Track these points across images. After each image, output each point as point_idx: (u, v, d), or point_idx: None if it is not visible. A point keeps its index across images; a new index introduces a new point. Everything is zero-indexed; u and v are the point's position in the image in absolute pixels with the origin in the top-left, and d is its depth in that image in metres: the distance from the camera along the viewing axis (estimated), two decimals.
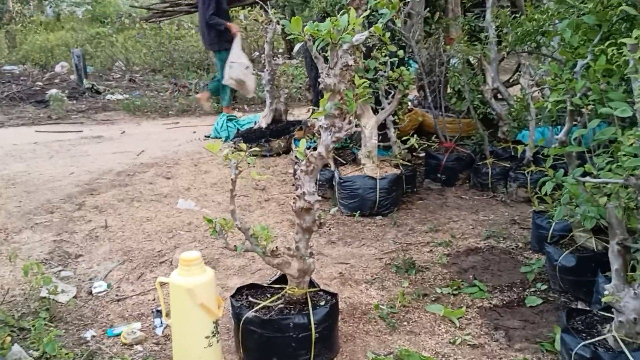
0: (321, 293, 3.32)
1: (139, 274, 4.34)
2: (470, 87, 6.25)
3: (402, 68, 5.53)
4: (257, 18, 7.26)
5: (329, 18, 2.88)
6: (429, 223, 5.18)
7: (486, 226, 5.05)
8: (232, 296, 3.28)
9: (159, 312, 3.56)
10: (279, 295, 3.24)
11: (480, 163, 6.07)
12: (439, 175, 6.24)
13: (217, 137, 8.50)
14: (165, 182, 6.51)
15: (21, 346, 3.12)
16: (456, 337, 3.39)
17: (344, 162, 6.03)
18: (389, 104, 5.76)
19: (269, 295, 3.29)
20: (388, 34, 3.53)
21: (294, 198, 3.07)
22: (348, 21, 2.83)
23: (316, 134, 3.12)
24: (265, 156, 7.30)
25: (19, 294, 3.95)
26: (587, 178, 2.78)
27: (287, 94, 7.51)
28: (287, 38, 7.67)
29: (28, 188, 6.37)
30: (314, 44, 2.89)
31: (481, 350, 3.29)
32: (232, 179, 2.97)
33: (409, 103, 7.86)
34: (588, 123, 2.80)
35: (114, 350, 3.35)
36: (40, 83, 15.28)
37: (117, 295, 4.02)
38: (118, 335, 3.49)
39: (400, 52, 5.49)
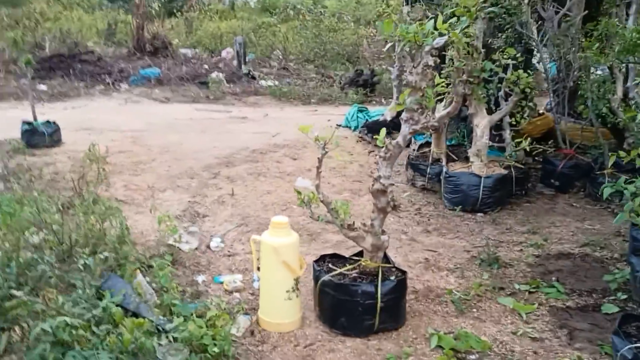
0: (393, 269, 3.68)
1: (250, 236, 4.97)
2: (597, 95, 6.12)
3: (520, 71, 5.60)
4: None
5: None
6: (528, 225, 5.26)
7: (587, 235, 5.02)
8: (315, 261, 3.76)
9: (259, 269, 4.13)
10: (355, 265, 3.66)
11: (597, 173, 5.95)
12: (552, 181, 6.21)
13: (347, 126, 9.03)
14: (291, 163, 7.17)
15: (145, 277, 3.86)
16: (519, 329, 3.57)
17: (456, 158, 6.23)
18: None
19: (347, 265, 3.72)
20: (464, 38, 3.74)
21: (373, 180, 3.46)
22: (434, 26, 3.16)
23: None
24: None
25: (153, 239, 4.75)
26: None
27: None
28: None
29: (177, 156, 7.37)
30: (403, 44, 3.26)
31: (540, 343, 3.45)
32: (318, 158, 3.43)
33: (542, 107, 7.80)
34: None
35: (217, 294, 3.98)
36: (206, 66, 16.91)
37: (229, 251, 4.69)
38: (222, 282, 4.13)
39: (519, 56, 5.57)
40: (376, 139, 7.64)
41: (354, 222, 3.54)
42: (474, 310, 3.83)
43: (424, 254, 4.66)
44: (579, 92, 6.99)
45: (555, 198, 6.05)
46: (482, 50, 5.67)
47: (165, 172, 6.67)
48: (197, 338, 3.15)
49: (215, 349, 3.10)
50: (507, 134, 6.13)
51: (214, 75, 14.72)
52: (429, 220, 5.42)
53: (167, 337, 3.22)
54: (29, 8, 24.48)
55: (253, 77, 15.22)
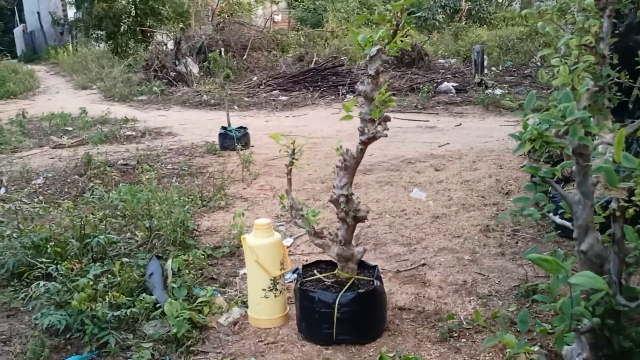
0: (372, 282, 3.58)
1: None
2: None
3: None
4: None
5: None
6: None
7: None
8: (304, 266, 3.88)
9: (297, 269, 4.39)
10: (332, 273, 3.68)
11: None
12: None
13: None
14: (430, 173, 7.03)
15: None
16: None
17: None
18: None
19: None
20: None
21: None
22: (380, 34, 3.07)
23: None
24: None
25: (235, 233, 5.33)
26: None
27: None
28: None
29: (331, 162, 7.84)
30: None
31: None
32: (286, 165, 3.59)
33: None
34: None
35: (243, 286, 4.38)
36: (449, 75, 17.01)
37: (290, 251, 4.99)
38: None
39: None
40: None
41: (322, 230, 3.58)
42: (464, 340, 3.48)
43: (471, 276, 4.29)
44: None
45: None
46: (608, 54, 4.85)
47: (307, 176, 7.22)
48: (170, 318, 3.63)
49: (174, 329, 3.53)
50: None
51: (443, 85, 14.78)
52: (516, 243, 4.87)
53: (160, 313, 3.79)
54: (326, 28, 27.82)
55: (486, 86, 14.77)
